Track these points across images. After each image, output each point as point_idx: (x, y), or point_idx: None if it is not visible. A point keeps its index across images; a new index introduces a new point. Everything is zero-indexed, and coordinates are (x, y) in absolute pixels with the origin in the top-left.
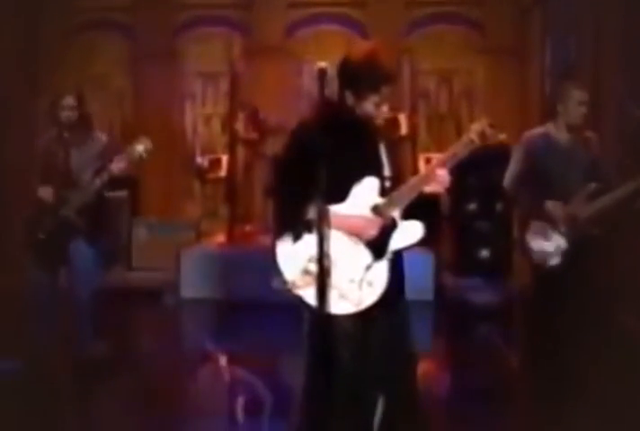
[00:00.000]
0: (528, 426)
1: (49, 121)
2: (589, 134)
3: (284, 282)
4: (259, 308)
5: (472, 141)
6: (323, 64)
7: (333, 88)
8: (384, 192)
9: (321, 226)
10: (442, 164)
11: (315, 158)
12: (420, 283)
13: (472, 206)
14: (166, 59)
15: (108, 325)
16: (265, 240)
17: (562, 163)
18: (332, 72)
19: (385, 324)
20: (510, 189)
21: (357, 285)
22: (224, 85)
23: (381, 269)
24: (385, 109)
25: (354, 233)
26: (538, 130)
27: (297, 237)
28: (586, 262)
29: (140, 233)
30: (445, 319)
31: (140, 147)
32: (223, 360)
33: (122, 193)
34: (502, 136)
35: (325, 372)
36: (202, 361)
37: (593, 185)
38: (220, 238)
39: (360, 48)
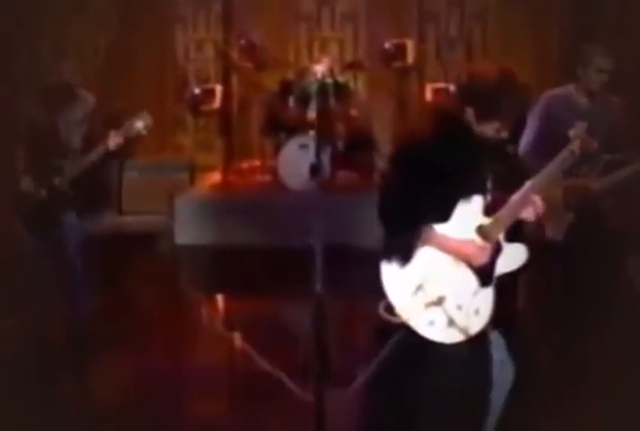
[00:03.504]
0: None
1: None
2: (613, 98)
3: (392, 310)
4: (256, 253)
5: (572, 152)
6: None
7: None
8: (487, 208)
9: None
10: (539, 185)
11: (424, 177)
12: None
13: None
14: None
15: (100, 271)
16: (262, 179)
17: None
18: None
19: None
20: (525, 155)
21: (464, 312)
22: (216, 7)
23: (487, 296)
24: (504, 134)
25: (463, 259)
26: (559, 91)
27: (405, 261)
28: (594, 235)
29: (131, 176)
30: None
31: (140, 124)
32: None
33: None
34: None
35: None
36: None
37: (607, 156)
38: (216, 177)
39: (495, 67)
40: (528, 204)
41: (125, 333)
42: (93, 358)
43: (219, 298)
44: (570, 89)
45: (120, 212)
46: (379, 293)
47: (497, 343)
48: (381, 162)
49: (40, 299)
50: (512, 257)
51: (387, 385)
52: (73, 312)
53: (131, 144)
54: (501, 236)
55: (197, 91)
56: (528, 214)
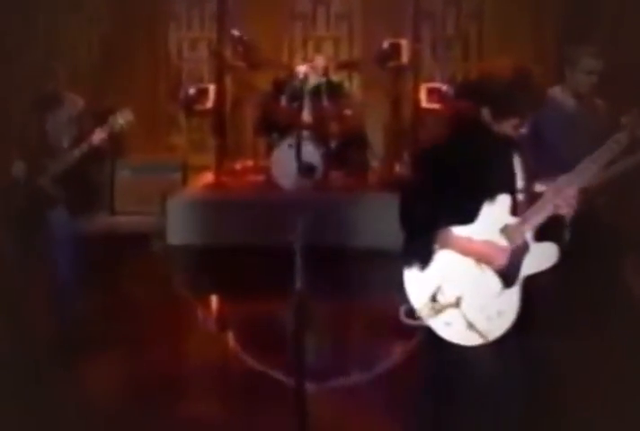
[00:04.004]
0: None
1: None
2: (598, 101)
3: (412, 312)
4: (248, 252)
5: (618, 142)
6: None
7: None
8: (516, 208)
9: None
10: (575, 181)
11: (445, 180)
12: None
13: None
14: None
15: (92, 272)
16: (255, 179)
17: (566, 130)
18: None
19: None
20: None
21: (486, 315)
22: (211, 6)
23: (512, 297)
24: (524, 130)
25: (483, 261)
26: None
27: (424, 264)
28: (589, 233)
29: (123, 176)
30: None
31: (121, 120)
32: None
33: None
34: None
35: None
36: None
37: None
38: (209, 177)
39: (508, 64)
40: (563, 200)
41: (117, 333)
42: (85, 358)
43: (212, 298)
44: (556, 91)
45: (113, 212)
46: (374, 292)
47: None
48: (375, 162)
49: (30, 299)
50: (541, 257)
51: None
52: (63, 311)
53: (115, 140)
54: (528, 235)
55: (190, 90)
56: (562, 210)
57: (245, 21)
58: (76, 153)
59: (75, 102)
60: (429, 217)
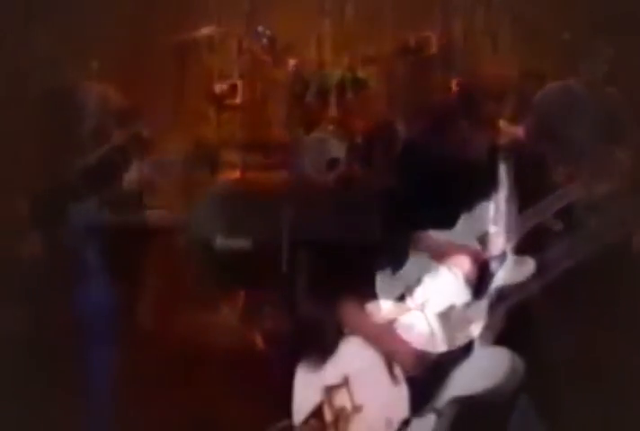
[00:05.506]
0: None
1: None
2: (610, 90)
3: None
4: (272, 249)
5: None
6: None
7: None
8: (498, 217)
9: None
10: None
11: (421, 180)
12: None
13: None
14: None
15: (118, 267)
16: (281, 174)
17: (579, 119)
18: None
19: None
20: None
21: (452, 323)
22: (240, 2)
23: (480, 309)
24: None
25: (453, 266)
26: (557, 84)
27: (398, 264)
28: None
29: (152, 171)
30: None
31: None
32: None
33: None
34: None
35: None
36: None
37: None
38: (235, 173)
39: (490, 67)
40: (553, 211)
41: (141, 327)
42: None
43: (237, 293)
44: (569, 82)
45: (141, 207)
46: None
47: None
48: None
49: (50, 293)
50: (515, 270)
51: None
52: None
53: (138, 143)
54: (507, 247)
55: (220, 85)
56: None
57: (274, 17)
58: (100, 150)
59: (100, 95)
60: (405, 217)
